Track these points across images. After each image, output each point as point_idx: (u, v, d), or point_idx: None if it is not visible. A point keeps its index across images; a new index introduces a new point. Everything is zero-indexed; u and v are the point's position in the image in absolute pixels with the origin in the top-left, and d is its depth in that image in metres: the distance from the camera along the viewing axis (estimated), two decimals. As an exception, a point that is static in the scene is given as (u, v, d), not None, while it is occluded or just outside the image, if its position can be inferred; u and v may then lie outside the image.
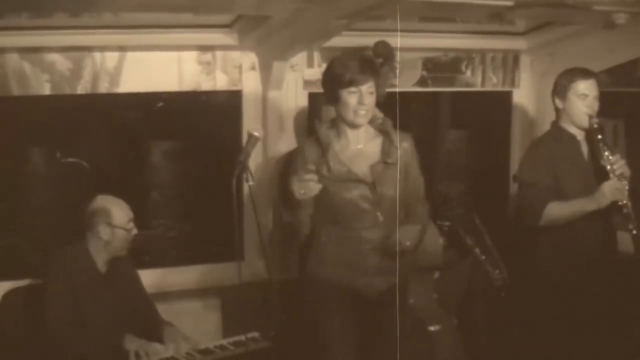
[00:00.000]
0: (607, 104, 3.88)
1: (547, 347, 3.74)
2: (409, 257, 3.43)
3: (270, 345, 3.40)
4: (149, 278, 3.97)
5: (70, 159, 4.87)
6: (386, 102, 3.60)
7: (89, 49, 3.91)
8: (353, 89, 3.28)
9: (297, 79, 4.30)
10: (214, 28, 4.11)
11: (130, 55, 3.99)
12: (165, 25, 3.97)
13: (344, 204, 3.34)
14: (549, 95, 3.93)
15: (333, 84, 3.32)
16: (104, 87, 3.99)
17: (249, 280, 3.50)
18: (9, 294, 3.70)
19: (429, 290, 4.16)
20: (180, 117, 5.03)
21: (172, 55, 4.10)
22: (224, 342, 3.61)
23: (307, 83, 4.33)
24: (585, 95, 3.74)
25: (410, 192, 3.44)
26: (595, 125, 3.73)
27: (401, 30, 4.30)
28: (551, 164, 3.78)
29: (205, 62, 4.18)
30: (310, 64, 4.32)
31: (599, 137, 3.72)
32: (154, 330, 3.64)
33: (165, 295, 4.06)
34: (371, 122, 3.40)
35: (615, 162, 3.69)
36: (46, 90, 3.88)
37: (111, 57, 3.96)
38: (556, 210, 3.70)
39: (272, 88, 4.20)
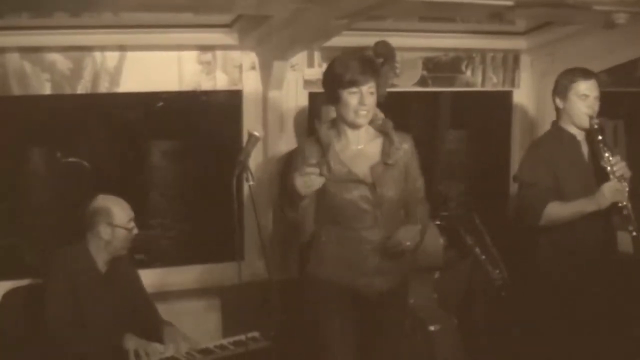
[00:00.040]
0: (607, 104, 3.88)
1: (547, 347, 3.73)
2: (409, 257, 3.43)
3: (270, 345, 3.40)
4: (149, 278, 3.97)
5: (70, 159, 4.88)
6: (386, 102, 3.61)
7: (89, 48, 3.91)
8: (354, 89, 3.28)
9: (298, 79, 4.30)
10: (214, 28, 4.11)
11: (130, 55, 3.99)
12: (165, 25, 3.97)
13: (344, 204, 3.34)
14: (549, 95, 3.93)
15: (334, 84, 3.32)
16: (104, 87, 3.99)
17: (249, 280, 3.50)
18: (9, 294, 3.69)
19: (429, 290, 4.16)
20: (180, 117, 5.03)
21: (172, 55, 4.10)
22: (224, 341, 3.61)
23: (307, 83, 4.33)
24: (586, 96, 3.74)
25: (410, 192, 3.44)
26: (596, 126, 3.73)
27: (401, 30, 4.33)
28: (551, 164, 3.77)
29: (205, 62, 4.18)
30: (310, 64, 4.32)
31: (600, 138, 3.72)
32: (154, 330, 3.63)
33: (165, 295, 4.05)
34: (371, 122, 3.39)
35: (615, 164, 3.69)
36: (46, 89, 3.88)
37: (111, 57, 3.97)
38: (556, 210, 3.70)
39: (272, 88, 4.20)
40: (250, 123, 4.14)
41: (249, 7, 3.74)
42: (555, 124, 3.88)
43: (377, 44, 3.78)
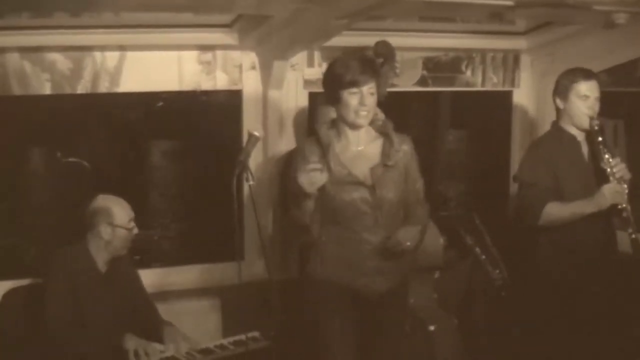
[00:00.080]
0: (607, 104, 3.87)
1: (547, 347, 3.73)
2: (409, 257, 3.43)
3: (270, 345, 3.40)
4: (149, 278, 3.97)
5: (70, 159, 4.87)
6: (386, 102, 3.61)
7: (89, 48, 3.91)
8: (354, 89, 3.27)
9: (298, 79, 4.30)
10: (214, 28, 4.11)
11: (130, 54, 3.99)
12: (165, 25, 3.97)
13: (344, 206, 3.33)
14: (549, 95, 3.93)
15: (334, 85, 3.31)
16: (104, 87, 3.99)
17: (249, 280, 3.49)
18: (9, 294, 3.69)
19: (429, 290, 4.16)
20: (180, 117, 5.03)
21: (172, 55, 4.10)
22: (224, 341, 3.61)
23: (307, 82, 4.33)
24: (587, 97, 3.74)
25: (409, 193, 3.44)
26: (596, 127, 3.72)
27: (401, 30, 4.33)
28: (551, 164, 3.77)
29: (205, 62, 4.18)
30: (310, 64, 4.32)
31: (600, 139, 3.72)
32: (154, 330, 3.63)
33: (165, 295, 4.06)
34: (372, 123, 3.39)
35: (615, 165, 3.69)
36: (47, 89, 3.88)
37: (111, 57, 3.97)
38: (555, 210, 3.70)
39: (272, 87, 4.20)
40: (250, 123, 4.14)
41: (249, 7, 3.74)
42: (556, 124, 3.88)
43: (377, 44, 3.78)
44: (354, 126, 3.35)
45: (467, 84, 4.78)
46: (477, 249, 4.39)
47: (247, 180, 3.17)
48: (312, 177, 3.17)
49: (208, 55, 4.17)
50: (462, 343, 4.13)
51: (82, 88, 3.94)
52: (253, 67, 4.25)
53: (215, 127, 5.02)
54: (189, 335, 3.64)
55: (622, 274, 3.84)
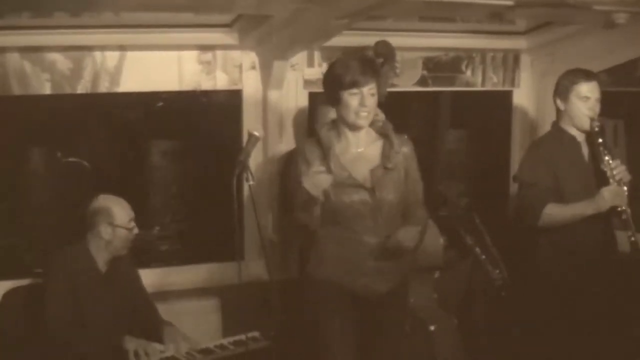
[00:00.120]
0: (607, 104, 3.87)
1: (547, 347, 3.73)
2: (409, 257, 3.43)
3: (270, 345, 3.40)
4: (149, 278, 3.97)
5: (70, 159, 4.87)
6: (386, 102, 3.61)
7: (89, 48, 3.92)
8: (354, 90, 3.26)
9: (298, 79, 4.30)
10: (214, 27, 4.11)
11: (130, 54, 3.99)
12: (165, 25, 3.97)
13: (344, 207, 3.32)
14: (549, 95, 3.94)
15: (334, 86, 3.30)
16: (104, 87, 3.99)
17: (249, 280, 3.50)
18: (9, 294, 3.69)
19: (429, 290, 4.16)
20: (180, 117, 5.02)
21: (172, 54, 4.11)
22: (224, 341, 3.61)
23: (307, 82, 4.33)
24: (587, 98, 3.74)
25: (409, 193, 3.44)
26: (597, 128, 3.72)
27: (401, 30, 4.33)
28: (551, 164, 3.77)
29: (205, 62, 4.18)
30: (310, 64, 4.32)
31: (600, 140, 3.72)
32: (154, 330, 3.63)
33: (165, 295, 4.06)
34: (372, 124, 3.38)
35: (615, 167, 3.69)
36: (47, 89, 3.88)
37: (111, 57, 3.97)
38: (555, 211, 3.70)
39: (272, 87, 4.20)
40: (250, 123, 4.14)
41: (249, 7, 3.74)
42: (556, 125, 3.88)
43: (377, 44, 3.78)
44: (354, 127, 3.34)
45: (467, 84, 4.78)
46: (477, 249, 4.37)
47: (247, 180, 3.17)
48: (316, 180, 3.17)
49: (208, 55, 4.17)
50: (462, 343, 4.13)
51: (82, 88, 3.94)
52: (253, 67, 4.25)
53: (215, 127, 5.01)
54: (189, 335, 3.65)
55: (622, 274, 3.85)
